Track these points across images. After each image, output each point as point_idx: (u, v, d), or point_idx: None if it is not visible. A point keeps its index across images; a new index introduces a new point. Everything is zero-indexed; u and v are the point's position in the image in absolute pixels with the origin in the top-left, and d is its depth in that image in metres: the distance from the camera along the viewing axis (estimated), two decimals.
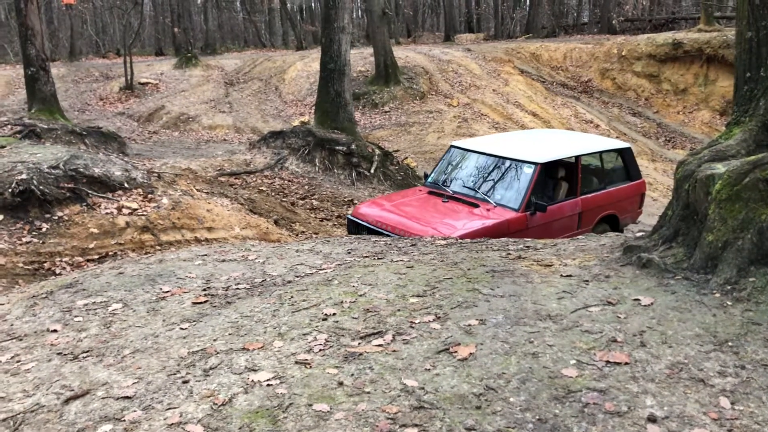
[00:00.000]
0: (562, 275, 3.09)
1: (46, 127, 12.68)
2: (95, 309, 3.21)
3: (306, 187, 12.13)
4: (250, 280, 3.48)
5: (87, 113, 20.79)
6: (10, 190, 7.21)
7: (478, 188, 7.57)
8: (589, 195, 8.03)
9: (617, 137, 19.51)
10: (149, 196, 8.19)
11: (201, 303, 3.19)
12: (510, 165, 7.66)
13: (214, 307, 3.11)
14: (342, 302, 2.98)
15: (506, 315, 2.65)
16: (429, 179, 8.30)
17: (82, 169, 7.92)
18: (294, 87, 23.44)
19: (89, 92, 22.86)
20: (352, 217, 7.59)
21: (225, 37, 38.01)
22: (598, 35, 28.20)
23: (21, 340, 2.93)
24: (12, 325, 3.11)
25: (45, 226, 7.29)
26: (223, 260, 3.93)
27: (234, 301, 3.16)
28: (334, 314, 2.84)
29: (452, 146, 8.48)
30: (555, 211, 7.45)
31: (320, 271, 3.57)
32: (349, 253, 4.00)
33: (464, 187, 7.69)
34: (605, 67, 23.11)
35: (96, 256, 7.26)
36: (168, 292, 3.40)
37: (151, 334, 2.84)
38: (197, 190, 8.99)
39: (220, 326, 2.84)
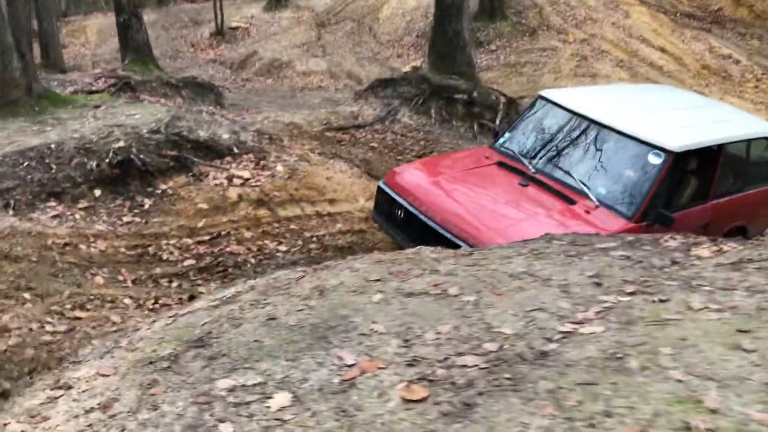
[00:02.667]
0: None
1: (140, 78, 11.77)
2: (249, 402, 2.02)
3: (422, 142, 10.77)
4: (478, 348, 2.20)
5: (179, 61, 19.99)
6: (107, 161, 6.21)
7: (575, 171, 5.34)
8: (723, 199, 5.69)
9: (763, 74, 17.07)
10: (261, 162, 7.06)
11: (418, 401, 1.94)
12: (627, 145, 5.34)
13: (446, 415, 1.85)
14: (689, 429, 1.65)
15: None
16: (501, 141, 6.07)
17: (185, 133, 6.85)
18: (389, 26, 21.83)
19: (179, 39, 22.05)
20: (386, 187, 5.60)
21: None
22: None
23: None
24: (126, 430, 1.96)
25: (147, 202, 6.28)
26: (410, 294, 2.67)
27: (475, 402, 1.89)
28: None
29: (541, 97, 6.11)
30: (677, 221, 5.13)
31: (581, 328, 2.25)
32: (598, 284, 2.65)
33: (553, 165, 5.50)
34: None
35: (206, 237, 6.22)
36: (353, 365, 2.17)
37: None
38: (311, 152, 7.80)
39: None
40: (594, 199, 5.08)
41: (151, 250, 5.95)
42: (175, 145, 6.74)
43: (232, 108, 12.21)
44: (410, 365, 2.15)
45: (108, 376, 2.31)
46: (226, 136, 7.17)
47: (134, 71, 12.11)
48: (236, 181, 6.78)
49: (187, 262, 5.88)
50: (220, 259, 6.01)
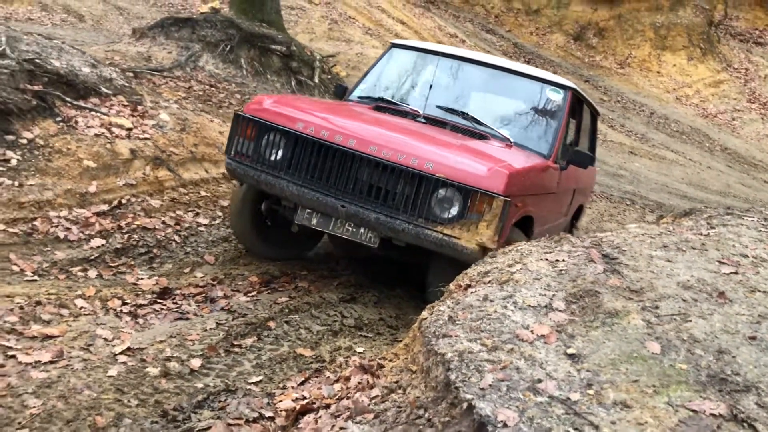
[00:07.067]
0: None
1: None
2: None
3: (237, 95, 9.52)
4: None
5: None
6: None
7: (473, 113, 4.66)
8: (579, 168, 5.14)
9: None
10: (138, 108, 5.44)
11: None
12: (522, 86, 4.88)
13: None
14: None
15: None
16: (356, 93, 5.07)
17: (39, 61, 4.92)
18: None
19: None
20: (257, 119, 4.07)
21: None
22: None
23: None
24: None
25: (14, 157, 4.40)
26: None
27: None
28: None
29: (396, 45, 5.34)
30: (568, 174, 4.90)
31: None
32: None
33: (444, 110, 4.70)
34: None
35: (105, 207, 4.62)
36: None
37: None
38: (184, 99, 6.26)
39: None
40: (509, 138, 4.52)
41: (38, 224, 4.14)
42: (32, 76, 4.77)
43: None
44: None
45: None
46: (86, 70, 5.31)
47: None
48: (117, 130, 5.09)
49: (94, 242, 4.25)
50: (135, 236, 4.48)
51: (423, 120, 4.53)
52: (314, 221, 3.93)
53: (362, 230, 3.83)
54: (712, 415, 1.51)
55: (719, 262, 2.34)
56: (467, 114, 4.65)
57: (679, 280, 2.17)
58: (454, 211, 3.61)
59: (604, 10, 20.34)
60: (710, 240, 2.63)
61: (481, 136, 4.45)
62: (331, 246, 5.07)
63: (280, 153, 4.01)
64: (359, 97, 5.02)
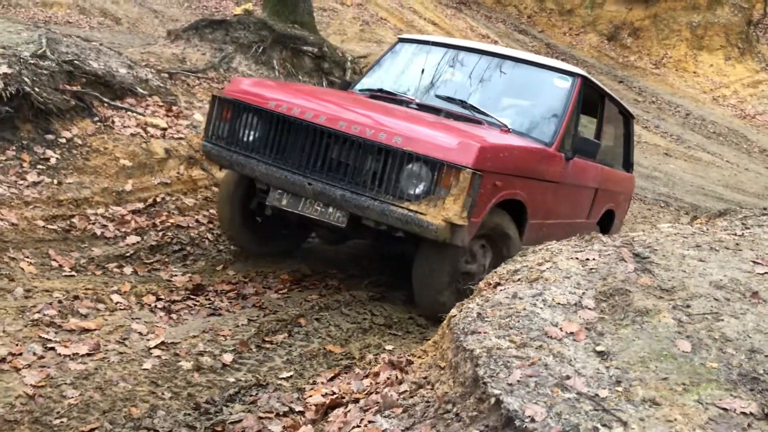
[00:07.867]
0: None
1: None
2: None
3: None
4: None
5: None
6: None
7: (475, 103, 4.51)
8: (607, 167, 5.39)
9: None
10: (173, 108, 5.53)
11: None
12: (527, 74, 4.75)
13: None
14: None
15: None
16: (359, 86, 5.06)
17: (78, 62, 5.03)
18: None
19: None
20: (235, 100, 3.98)
21: None
22: None
23: None
24: None
25: (53, 155, 4.51)
26: None
27: None
28: None
29: (402, 40, 5.29)
30: (583, 167, 4.82)
31: None
32: None
33: (442, 99, 4.61)
34: None
35: (140, 205, 4.71)
36: None
37: None
38: None
39: None
40: (504, 124, 4.37)
41: (76, 221, 4.25)
42: (71, 77, 4.89)
43: None
44: None
45: None
46: (123, 71, 5.43)
47: None
48: (152, 130, 5.19)
49: (130, 239, 4.34)
50: (169, 234, 4.56)
51: (415, 107, 4.45)
52: (284, 201, 3.85)
53: (330, 210, 3.73)
54: (743, 413, 1.50)
55: (753, 262, 2.31)
56: (465, 102, 4.51)
57: (711, 280, 2.15)
58: (422, 186, 3.47)
59: (639, 9, 20.06)
60: (745, 240, 2.60)
61: (476, 122, 4.31)
62: (360, 246, 5.10)
63: (252, 132, 3.94)
64: (360, 90, 4.98)
